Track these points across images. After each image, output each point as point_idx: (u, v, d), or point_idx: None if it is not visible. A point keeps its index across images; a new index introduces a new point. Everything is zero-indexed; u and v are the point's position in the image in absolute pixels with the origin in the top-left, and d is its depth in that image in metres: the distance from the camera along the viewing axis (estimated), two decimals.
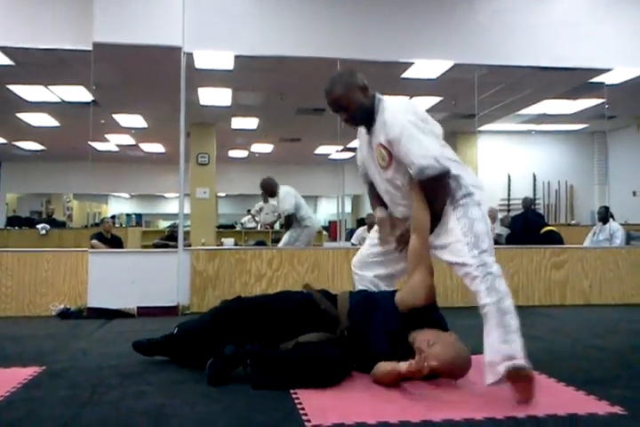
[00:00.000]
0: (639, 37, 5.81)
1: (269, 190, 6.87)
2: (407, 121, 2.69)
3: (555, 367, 2.86)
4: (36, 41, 5.07)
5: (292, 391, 2.43)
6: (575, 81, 6.98)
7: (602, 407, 2.25)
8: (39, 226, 9.36)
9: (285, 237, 6.77)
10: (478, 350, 3.27)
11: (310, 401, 2.30)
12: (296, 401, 2.30)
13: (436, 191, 2.72)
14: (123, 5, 5.01)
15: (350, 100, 2.79)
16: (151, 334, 3.92)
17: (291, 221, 6.70)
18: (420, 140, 2.67)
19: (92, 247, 5.86)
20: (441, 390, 2.53)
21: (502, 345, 2.54)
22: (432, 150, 2.67)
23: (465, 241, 2.69)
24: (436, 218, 2.75)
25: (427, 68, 6.09)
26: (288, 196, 6.73)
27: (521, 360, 2.49)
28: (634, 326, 4.36)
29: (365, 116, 2.83)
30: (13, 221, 11.33)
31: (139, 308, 4.75)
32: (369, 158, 2.97)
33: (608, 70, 5.96)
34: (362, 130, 2.97)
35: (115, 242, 7.00)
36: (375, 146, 2.85)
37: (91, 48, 4.95)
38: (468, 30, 5.58)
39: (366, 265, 3.16)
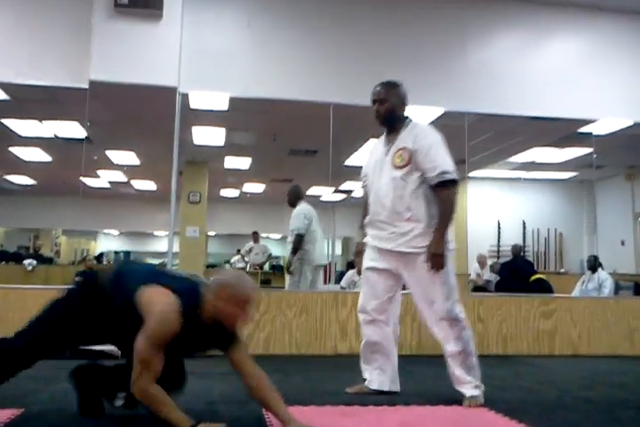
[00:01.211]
0: (625, 89, 5.95)
1: (288, 200, 6.26)
2: (437, 138, 3.28)
3: (542, 419, 2.82)
4: (33, 77, 5.12)
5: None
6: (563, 130, 7.09)
7: None
8: (26, 262, 9.27)
9: (289, 278, 6.20)
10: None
11: None
12: None
13: (446, 197, 3.19)
14: (120, 45, 5.08)
15: (390, 100, 3.36)
16: None
17: (297, 244, 6.00)
18: (445, 154, 3.23)
19: None
20: None
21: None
22: (452, 165, 3.21)
23: (441, 291, 3.16)
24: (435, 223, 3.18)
25: (417, 113, 6.17)
26: (300, 214, 6.10)
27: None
28: (622, 379, 4.32)
29: (390, 120, 3.38)
30: (0, 256, 11.23)
31: None
32: (378, 164, 3.38)
33: (595, 121, 6.07)
34: (377, 145, 3.50)
35: None
36: (395, 149, 3.31)
37: (87, 86, 5.00)
38: (460, 79, 5.69)
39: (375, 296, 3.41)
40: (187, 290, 2.51)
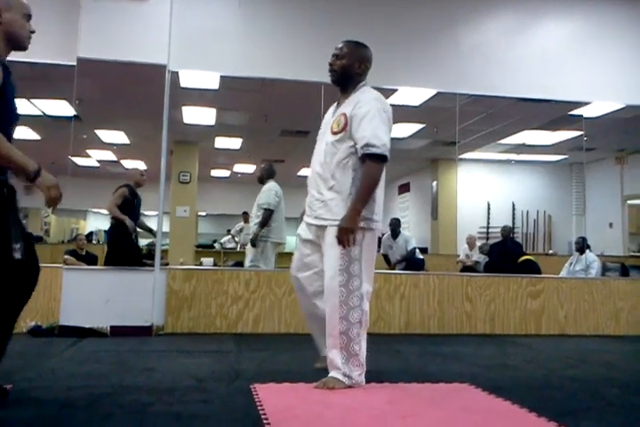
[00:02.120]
0: (617, 72, 5.94)
1: (260, 176, 6.41)
2: (376, 108, 3.04)
3: (527, 397, 2.85)
4: (20, 54, 5.05)
5: (263, 417, 2.39)
6: (554, 113, 7.10)
7: None
8: None
9: (249, 255, 6.27)
10: (454, 378, 3.28)
11: (277, 415, 2.27)
12: (263, 417, 2.27)
13: (367, 171, 2.99)
14: (109, 22, 5.02)
15: (348, 58, 3.18)
16: (123, 354, 3.88)
17: (267, 218, 6.12)
18: (378, 125, 2.99)
19: (66, 263, 5.77)
20: (413, 418, 2.51)
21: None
22: (384, 137, 2.99)
23: (339, 262, 2.96)
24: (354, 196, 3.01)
25: (410, 95, 6.16)
26: (271, 190, 6.22)
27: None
28: (608, 358, 4.38)
29: (342, 79, 3.21)
30: None
31: (112, 327, 4.68)
32: (324, 128, 3.25)
33: (587, 103, 6.07)
34: (331, 107, 3.31)
35: (89, 259, 6.90)
36: (338, 114, 3.14)
37: (75, 63, 4.95)
38: (451, 60, 5.67)
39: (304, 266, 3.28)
40: None
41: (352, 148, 3.04)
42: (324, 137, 3.20)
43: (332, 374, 2.98)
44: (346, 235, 2.93)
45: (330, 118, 3.24)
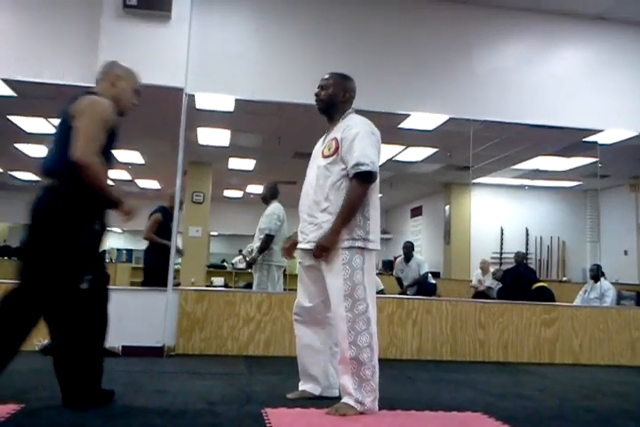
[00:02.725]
0: (631, 100, 5.95)
1: (263, 196, 6.36)
2: (365, 130, 3.13)
3: None
4: (41, 75, 5.13)
5: None
6: (568, 139, 7.10)
7: None
8: None
9: (256, 279, 6.21)
10: (467, 406, 3.24)
11: None
12: None
13: (353, 189, 3.04)
14: (128, 45, 5.09)
15: (334, 88, 3.30)
16: (135, 375, 3.87)
17: (267, 244, 6.04)
18: (367, 145, 3.07)
19: None
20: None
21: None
22: (373, 157, 3.05)
23: (343, 287, 2.99)
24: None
25: (423, 119, 6.19)
26: (273, 214, 6.14)
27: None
28: (623, 389, 4.31)
29: (328, 108, 3.32)
30: (3, 252, 11.24)
31: (123, 347, 4.67)
32: (314, 155, 3.34)
33: (600, 131, 6.08)
34: (319, 141, 3.39)
35: None
36: (328, 140, 3.23)
37: (94, 84, 5.00)
38: (465, 86, 5.70)
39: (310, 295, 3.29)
40: None
41: (344, 170, 3.10)
42: (315, 162, 3.27)
43: (345, 400, 2.95)
44: (322, 252, 3.03)
45: (319, 147, 3.33)
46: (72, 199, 2.78)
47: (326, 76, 3.37)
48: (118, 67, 3.14)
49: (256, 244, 6.21)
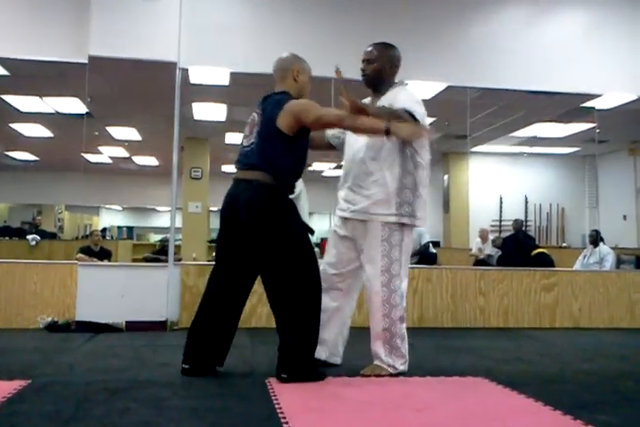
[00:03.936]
0: (629, 64, 5.89)
1: None
2: (414, 103, 3.12)
3: (542, 391, 2.85)
4: (33, 52, 5.08)
5: (278, 410, 2.41)
6: (566, 105, 7.06)
7: None
8: (29, 237, 9.31)
9: None
10: (468, 371, 3.28)
11: (296, 420, 2.28)
12: (282, 420, 2.29)
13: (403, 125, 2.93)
14: (120, 20, 5.03)
15: (380, 61, 3.26)
16: (139, 349, 3.91)
17: None
18: (419, 108, 3.09)
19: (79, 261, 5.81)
20: (428, 411, 2.51)
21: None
22: (423, 115, 3.08)
23: (380, 262, 3.06)
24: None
25: (420, 88, 6.14)
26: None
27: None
28: (622, 351, 4.36)
29: (375, 82, 3.28)
30: (3, 232, 11.27)
31: (127, 322, 4.72)
32: None
33: (599, 96, 6.04)
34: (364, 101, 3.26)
35: (103, 255, 6.95)
36: None
37: (86, 61, 4.97)
38: (462, 53, 5.64)
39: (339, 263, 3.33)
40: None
41: (394, 144, 3.06)
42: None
43: (376, 362, 3.15)
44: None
45: None
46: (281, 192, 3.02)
47: (369, 49, 3.32)
48: (297, 61, 3.25)
49: None
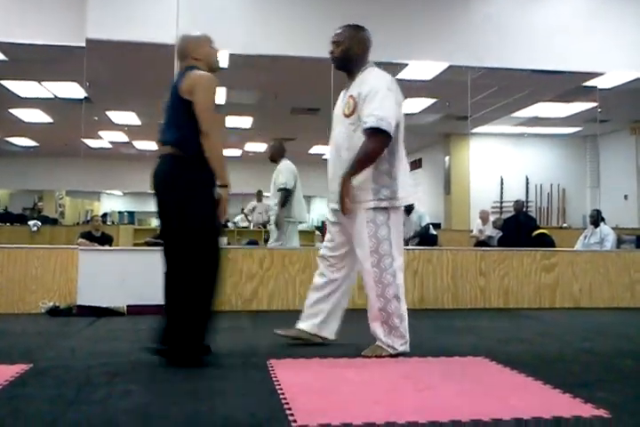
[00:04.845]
0: (632, 42, 5.84)
1: (271, 155, 6.35)
2: (379, 85, 3.12)
3: (542, 370, 2.86)
4: (30, 37, 5.06)
5: (279, 391, 2.42)
6: (568, 84, 7.02)
7: (587, 410, 2.25)
8: (30, 223, 9.32)
9: (274, 234, 6.29)
10: (469, 352, 3.29)
11: (297, 401, 2.30)
12: (283, 401, 2.30)
13: (364, 144, 3.04)
14: (117, 2, 5.00)
15: (346, 42, 3.24)
16: (140, 333, 3.93)
17: (287, 199, 6.10)
18: (380, 100, 3.05)
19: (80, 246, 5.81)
20: (428, 391, 2.53)
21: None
22: (381, 113, 3.02)
23: (369, 243, 3.10)
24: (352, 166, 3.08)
25: (421, 69, 6.11)
26: (288, 170, 6.16)
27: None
28: (622, 330, 4.38)
29: (344, 64, 3.29)
30: (5, 218, 11.28)
31: (128, 306, 4.73)
32: (338, 111, 3.32)
33: (601, 74, 6.00)
34: (340, 95, 3.37)
35: (105, 240, 6.94)
36: (347, 97, 3.23)
37: (84, 44, 4.94)
38: (463, 32, 5.60)
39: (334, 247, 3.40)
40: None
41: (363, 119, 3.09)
42: (339, 120, 3.28)
43: (377, 343, 3.17)
44: (342, 204, 3.09)
45: (340, 104, 3.33)
46: (191, 166, 2.98)
47: (338, 31, 3.31)
48: (186, 39, 3.23)
49: (273, 200, 6.25)
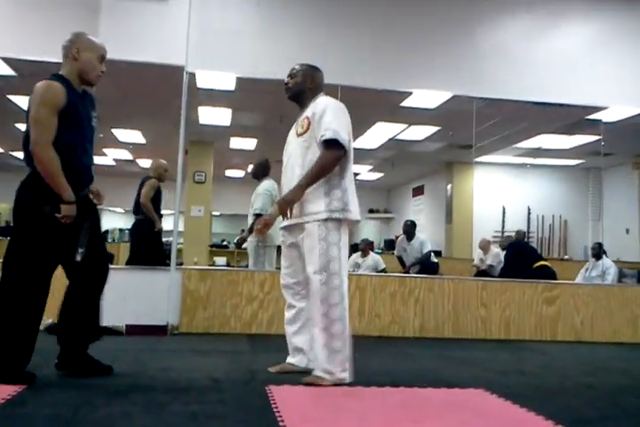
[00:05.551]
0: (635, 77, 5.88)
1: (254, 172, 6.22)
2: (331, 105, 3.27)
3: (543, 405, 2.83)
4: (39, 53, 5.08)
5: (279, 419, 2.39)
6: (572, 117, 7.06)
7: None
8: None
9: (251, 258, 6.09)
10: (469, 383, 3.26)
11: (292, 418, 2.27)
12: (279, 419, 2.27)
13: (320, 156, 3.13)
14: (128, 23, 5.05)
15: (301, 76, 3.41)
16: (139, 353, 3.89)
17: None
18: (334, 116, 3.18)
19: None
20: (427, 423, 2.50)
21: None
22: (336, 127, 3.13)
23: (318, 261, 3.10)
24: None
25: (426, 97, 6.16)
26: (265, 194, 5.94)
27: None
28: (624, 365, 4.35)
29: (297, 95, 3.43)
30: (5, 232, 11.25)
31: (127, 326, 4.70)
32: (291, 132, 3.45)
33: (605, 108, 6.03)
34: (292, 129, 3.47)
35: None
36: (301, 120, 3.34)
37: None
38: (468, 63, 5.63)
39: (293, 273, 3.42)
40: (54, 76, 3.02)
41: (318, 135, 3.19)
42: (292, 140, 3.39)
43: (315, 372, 3.10)
44: (283, 206, 3.16)
45: (292, 130, 3.46)
46: (31, 183, 3.01)
47: (296, 67, 3.49)
48: (78, 39, 3.13)
49: (249, 223, 6.08)
